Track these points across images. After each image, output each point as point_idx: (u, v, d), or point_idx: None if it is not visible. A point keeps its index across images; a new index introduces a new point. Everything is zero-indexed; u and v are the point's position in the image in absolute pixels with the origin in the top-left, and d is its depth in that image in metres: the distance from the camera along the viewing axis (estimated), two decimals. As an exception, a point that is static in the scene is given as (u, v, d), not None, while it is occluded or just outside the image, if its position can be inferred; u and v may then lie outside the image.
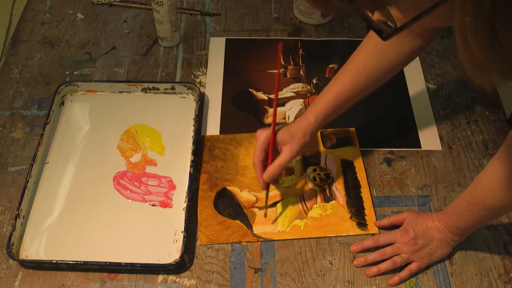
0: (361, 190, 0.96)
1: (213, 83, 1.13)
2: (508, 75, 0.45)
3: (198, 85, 1.11)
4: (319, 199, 0.95)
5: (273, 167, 0.86)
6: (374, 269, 0.86)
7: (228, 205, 0.94)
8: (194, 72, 1.15)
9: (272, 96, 1.11)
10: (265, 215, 0.92)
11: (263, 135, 0.88)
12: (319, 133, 1.04)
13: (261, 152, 0.88)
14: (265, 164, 0.89)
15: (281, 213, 0.93)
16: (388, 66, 0.87)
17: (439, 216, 0.86)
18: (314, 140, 1.02)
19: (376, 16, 0.51)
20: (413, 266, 0.86)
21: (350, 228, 0.92)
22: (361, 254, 0.89)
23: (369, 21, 0.51)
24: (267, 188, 0.90)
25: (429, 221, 0.86)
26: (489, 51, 0.42)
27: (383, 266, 0.86)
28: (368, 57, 0.87)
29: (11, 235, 0.87)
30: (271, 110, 1.09)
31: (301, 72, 1.16)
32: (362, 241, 0.89)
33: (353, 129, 1.05)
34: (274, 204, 0.94)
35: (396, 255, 0.86)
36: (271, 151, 0.88)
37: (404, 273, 0.86)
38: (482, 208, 0.78)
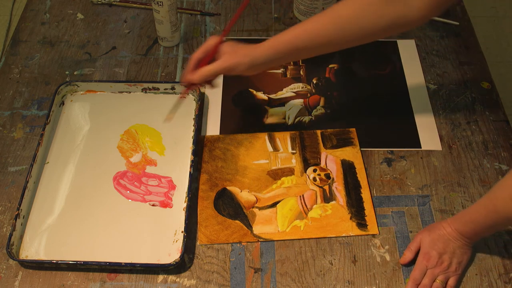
0: (361, 190, 0.96)
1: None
2: None
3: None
4: (319, 199, 0.95)
5: (204, 69, 0.90)
6: None
7: (228, 205, 0.94)
8: (194, 72, 1.15)
9: (272, 95, 1.11)
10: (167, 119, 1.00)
11: (212, 39, 0.91)
12: (319, 134, 1.04)
13: (202, 52, 0.91)
14: (198, 64, 0.92)
15: (281, 213, 0.93)
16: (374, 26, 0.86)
17: (450, 223, 0.85)
18: (314, 140, 1.03)
19: None
20: (451, 282, 0.85)
21: (350, 228, 0.92)
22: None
23: None
24: (187, 86, 0.95)
25: (442, 231, 0.85)
26: None
27: None
28: (356, 9, 0.85)
29: (11, 235, 0.87)
30: (271, 110, 1.09)
31: (301, 72, 1.16)
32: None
33: (353, 129, 1.05)
34: (274, 204, 0.94)
35: (433, 281, 0.85)
36: (213, 54, 0.90)
37: None
38: (503, 217, 0.77)
